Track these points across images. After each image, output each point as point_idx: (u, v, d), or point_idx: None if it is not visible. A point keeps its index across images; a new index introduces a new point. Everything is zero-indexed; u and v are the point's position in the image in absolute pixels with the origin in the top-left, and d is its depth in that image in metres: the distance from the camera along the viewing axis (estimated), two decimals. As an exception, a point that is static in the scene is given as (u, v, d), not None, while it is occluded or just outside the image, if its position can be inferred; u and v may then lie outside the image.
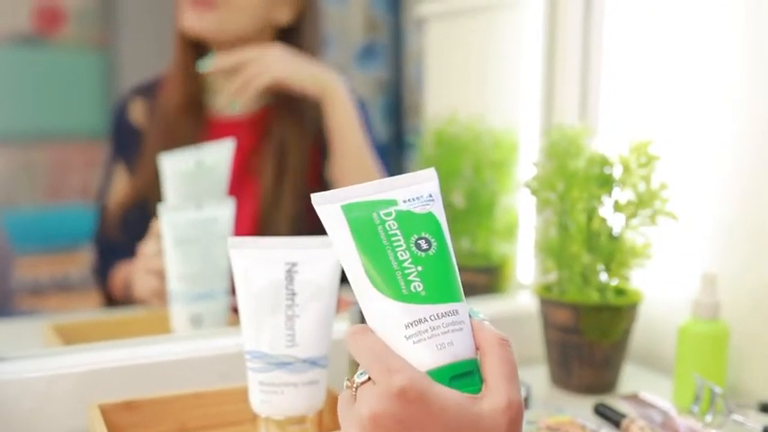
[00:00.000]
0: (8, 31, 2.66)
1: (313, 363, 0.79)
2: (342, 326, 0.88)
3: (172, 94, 1.25)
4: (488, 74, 1.32)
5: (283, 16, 1.26)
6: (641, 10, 1.08)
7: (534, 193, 0.98)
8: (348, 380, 0.53)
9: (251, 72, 1.17)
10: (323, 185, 1.29)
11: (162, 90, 1.27)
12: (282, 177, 1.25)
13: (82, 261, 2.04)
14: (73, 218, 2.47)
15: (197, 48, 1.24)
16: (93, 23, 2.80)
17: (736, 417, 0.85)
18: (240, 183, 1.24)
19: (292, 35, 1.27)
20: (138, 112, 1.30)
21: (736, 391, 0.97)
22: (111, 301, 1.26)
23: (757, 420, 0.86)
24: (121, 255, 1.20)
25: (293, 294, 0.78)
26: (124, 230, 1.20)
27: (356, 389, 0.51)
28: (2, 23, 2.65)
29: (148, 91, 1.31)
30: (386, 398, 0.48)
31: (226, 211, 1.03)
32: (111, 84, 2.77)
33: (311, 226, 1.26)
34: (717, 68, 0.99)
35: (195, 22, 1.20)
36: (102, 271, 1.27)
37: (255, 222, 1.25)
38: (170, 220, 1.00)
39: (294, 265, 0.78)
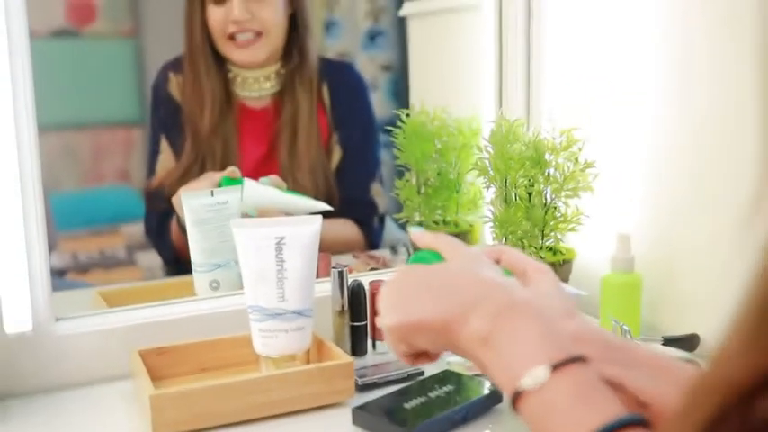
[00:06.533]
0: (45, 26, 2.89)
1: (299, 313, 1.02)
2: (323, 286, 1.11)
3: (204, 99, 1.44)
4: (457, 68, 1.53)
5: (291, 9, 1.48)
6: (574, 18, 1.29)
7: (481, 173, 1.20)
8: None
9: None
10: (329, 149, 1.51)
11: (187, 92, 1.46)
12: (296, 139, 1.46)
13: (121, 239, 2.27)
14: (112, 199, 2.71)
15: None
16: (121, 15, 3.02)
17: (640, 348, 1.06)
18: (269, 159, 1.47)
19: (295, 20, 1.49)
20: (174, 87, 1.49)
21: (652, 329, 1.19)
22: (168, 258, 1.47)
23: (657, 350, 1.07)
24: (170, 215, 1.39)
25: (282, 261, 1.01)
26: (169, 201, 1.37)
27: None
28: (39, 19, 2.88)
29: (179, 67, 1.49)
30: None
31: (234, 195, 1.25)
32: (141, 71, 2.99)
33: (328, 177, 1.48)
34: (638, 70, 1.19)
35: (246, 56, 1.44)
36: (158, 230, 1.46)
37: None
38: (188, 205, 1.22)
39: (282, 239, 1.01)
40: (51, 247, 1.61)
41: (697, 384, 0.40)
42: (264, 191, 1.26)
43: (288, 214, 1.23)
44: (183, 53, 1.48)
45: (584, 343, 0.62)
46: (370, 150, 1.58)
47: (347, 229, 1.53)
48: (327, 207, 1.26)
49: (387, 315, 0.65)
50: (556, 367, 0.53)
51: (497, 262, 0.71)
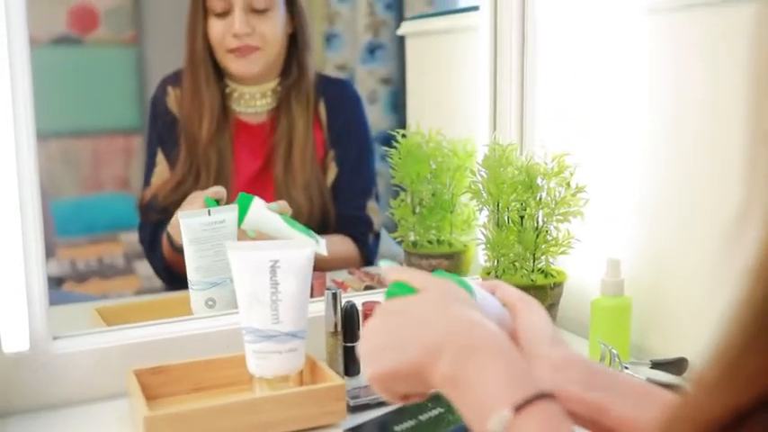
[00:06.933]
0: (47, 33, 2.90)
1: (293, 335, 1.03)
2: (317, 306, 1.13)
3: (203, 109, 1.46)
4: (454, 90, 1.55)
5: (291, 28, 1.51)
6: (568, 44, 1.31)
7: (474, 196, 1.21)
8: None
9: None
10: (325, 166, 1.53)
11: (186, 103, 1.48)
12: (291, 154, 1.48)
13: (120, 247, 2.28)
14: (111, 207, 2.72)
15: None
16: (123, 22, 3.04)
17: (628, 371, 1.08)
18: (264, 173, 1.49)
19: (295, 38, 1.52)
20: (173, 101, 1.51)
21: (641, 353, 1.20)
22: (160, 269, 1.48)
23: (645, 374, 1.09)
24: (163, 227, 1.41)
25: (276, 284, 1.02)
26: (162, 212, 1.41)
27: None
28: (41, 26, 2.90)
29: (178, 81, 1.51)
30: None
31: (231, 214, 1.27)
32: (142, 79, 3.01)
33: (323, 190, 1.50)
34: (630, 96, 1.21)
35: (244, 67, 1.46)
36: (151, 241, 1.48)
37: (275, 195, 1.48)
38: (186, 224, 1.24)
39: (276, 261, 1.03)
40: (50, 253, 1.61)
41: (673, 415, 0.39)
42: (269, 217, 1.27)
43: None
44: (183, 64, 1.49)
45: (568, 369, 0.64)
46: (366, 167, 1.60)
47: (343, 245, 1.54)
48: (324, 252, 1.26)
49: (364, 367, 0.67)
50: (519, 408, 0.54)
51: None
